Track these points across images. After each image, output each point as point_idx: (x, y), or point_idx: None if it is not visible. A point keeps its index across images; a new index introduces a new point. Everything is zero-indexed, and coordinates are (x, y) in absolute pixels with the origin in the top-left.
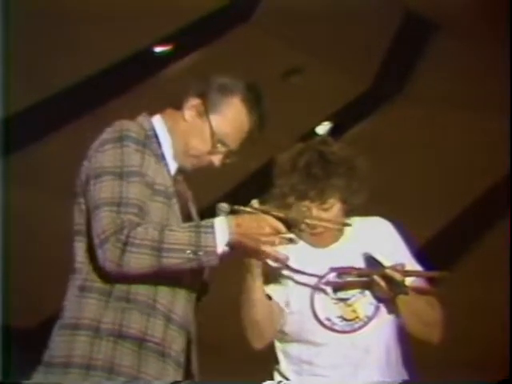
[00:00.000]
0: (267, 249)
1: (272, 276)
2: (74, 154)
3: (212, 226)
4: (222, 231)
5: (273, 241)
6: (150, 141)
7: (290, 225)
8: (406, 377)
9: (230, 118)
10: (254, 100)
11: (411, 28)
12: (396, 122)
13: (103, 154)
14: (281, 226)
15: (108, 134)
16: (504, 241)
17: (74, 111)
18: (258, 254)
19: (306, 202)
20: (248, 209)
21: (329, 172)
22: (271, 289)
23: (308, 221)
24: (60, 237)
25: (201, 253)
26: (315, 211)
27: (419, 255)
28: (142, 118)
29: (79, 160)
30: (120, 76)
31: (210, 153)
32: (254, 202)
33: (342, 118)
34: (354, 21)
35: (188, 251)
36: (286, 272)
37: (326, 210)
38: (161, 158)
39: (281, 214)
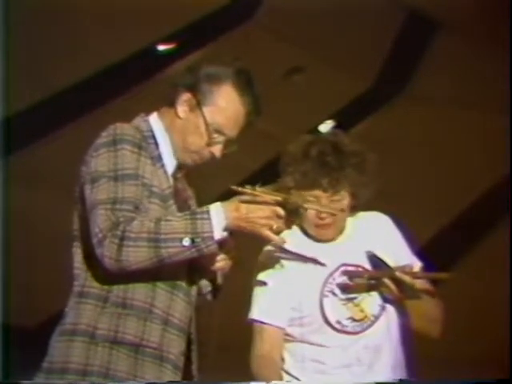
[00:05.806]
0: (264, 232)
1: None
2: (74, 154)
3: (208, 212)
4: (217, 216)
5: (271, 224)
6: (146, 142)
7: (288, 209)
8: (406, 375)
9: (223, 106)
10: (245, 83)
11: (413, 27)
12: (397, 121)
13: (98, 159)
14: (280, 210)
15: (102, 138)
16: (504, 241)
17: (74, 111)
18: (256, 238)
19: (317, 192)
20: (247, 190)
21: (342, 162)
22: (280, 295)
23: (306, 205)
24: (60, 237)
25: (198, 240)
26: (324, 201)
27: (419, 255)
28: (138, 119)
29: (79, 160)
30: (122, 75)
31: (209, 144)
32: (257, 186)
33: (344, 116)
34: (357, 20)
35: (185, 239)
36: (286, 257)
37: (335, 201)
38: (157, 159)
39: (280, 196)
